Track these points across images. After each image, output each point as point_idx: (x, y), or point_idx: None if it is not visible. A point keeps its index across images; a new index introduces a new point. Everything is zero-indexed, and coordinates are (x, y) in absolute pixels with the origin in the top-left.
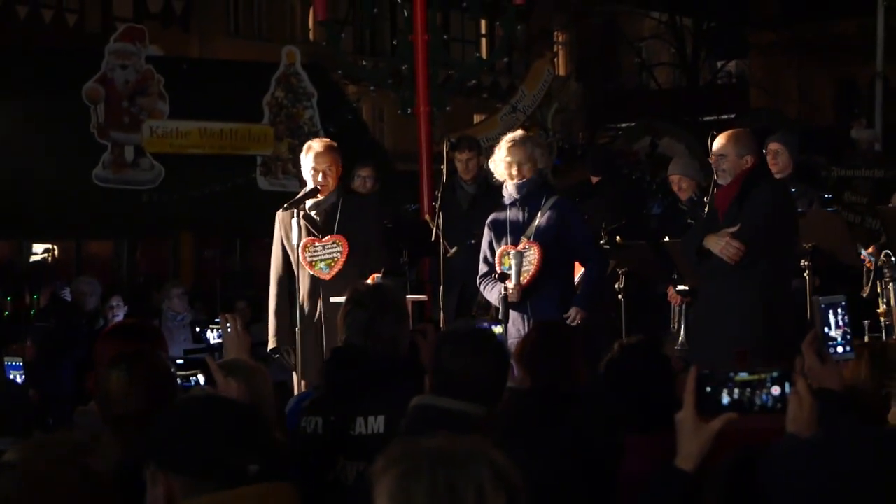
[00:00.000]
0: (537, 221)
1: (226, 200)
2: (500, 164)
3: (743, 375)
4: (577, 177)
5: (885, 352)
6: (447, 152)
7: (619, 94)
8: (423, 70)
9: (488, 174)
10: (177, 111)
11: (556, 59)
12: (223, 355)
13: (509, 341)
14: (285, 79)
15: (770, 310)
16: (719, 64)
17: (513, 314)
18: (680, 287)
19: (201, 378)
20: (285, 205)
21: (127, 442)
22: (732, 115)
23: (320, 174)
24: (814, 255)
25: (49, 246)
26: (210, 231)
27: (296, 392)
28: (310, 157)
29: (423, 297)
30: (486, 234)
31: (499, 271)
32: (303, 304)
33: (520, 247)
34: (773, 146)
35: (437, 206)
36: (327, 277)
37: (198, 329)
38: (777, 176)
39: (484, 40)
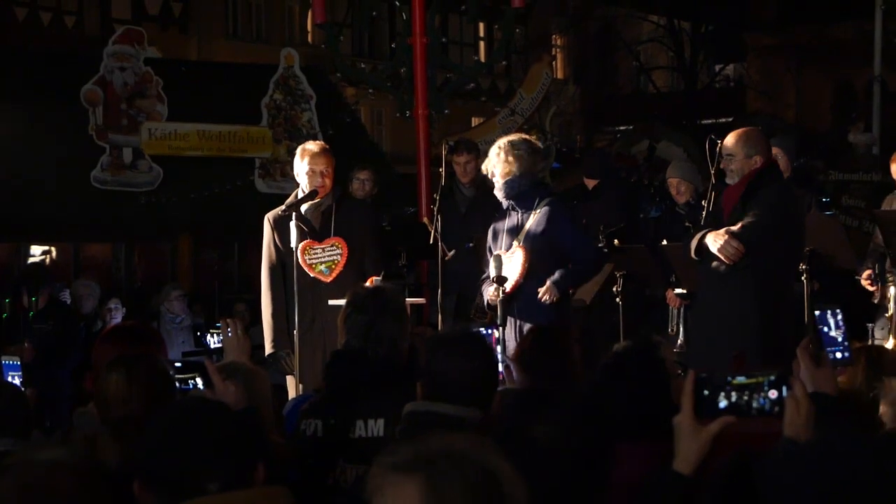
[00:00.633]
0: (528, 225)
1: (224, 203)
2: (489, 165)
3: (740, 379)
4: (576, 180)
5: (881, 355)
6: (445, 155)
7: (617, 98)
8: (421, 73)
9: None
10: (175, 113)
11: (554, 63)
12: (223, 359)
13: (506, 344)
14: (284, 81)
15: (768, 314)
16: (717, 67)
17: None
18: (678, 290)
19: (200, 381)
20: (284, 207)
21: (125, 445)
22: (730, 119)
23: (318, 176)
24: (811, 259)
25: (47, 248)
26: (208, 233)
27: (292, 395)
28: (306, 160)
29: (421, 301)
30: (489, 238)
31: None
32: (301, 308)
33: (511, 251)
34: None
35: (435, 210)
36: (328, 280)
37: (199, 333)
38: None
39: (482, 43)
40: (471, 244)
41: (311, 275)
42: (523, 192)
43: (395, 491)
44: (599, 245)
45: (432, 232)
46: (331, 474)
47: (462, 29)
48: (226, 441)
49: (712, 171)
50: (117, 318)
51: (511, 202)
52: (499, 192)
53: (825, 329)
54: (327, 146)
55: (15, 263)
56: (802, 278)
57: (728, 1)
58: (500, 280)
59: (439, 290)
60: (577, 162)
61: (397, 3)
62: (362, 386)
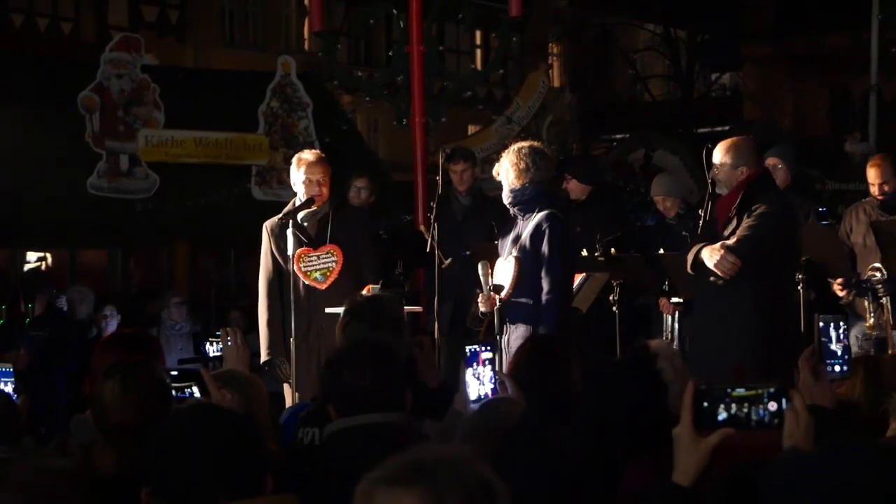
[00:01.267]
0: (524, 234)
1: (221, 210)
2: (498, 169)
3: (740, 391)
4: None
5: (880, 367)
6: (442, 163)
7: (614, 106)
8: (418, 81)
9: (483, 185)
10: (172, 120)
11: (550, 71)
12: (223, 367)
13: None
14: (280, 89)
15: (765, 325)
16: (713, 76)
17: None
18: (675, 299)
19: (196, 389)
20: (280, 216)
21: (121, 452)
22: (727, 128)
23: (314, 185)
24: (808, 269)
25: (43, 254)
26: (205, 241)
27: (288, 403)
28: (302, 169)
29: (418, 309)
30: (499, 245)
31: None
32: (297, 316)
33: (506, 258)
34: (770, 161)
35: (432, 218)
36: (323, 287)
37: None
38: None
39: (479, 52)
40: (467, 252)
41: (306, 282)
42: (527, 199)
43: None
44: (595, 254)
45: (429, 240)
46: None
47: (459, 37)
48: (238, 451)
49: (708, 180)
50: (112, 324)
51: (515, 210)
52: (505, 199)
53: (827, 341)
54: (323, 155)
55: (11, 270)
56: (799, 287)
57: (724, 10)
58: (497, 288)
59: (436, 298)
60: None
61: (394, 11)
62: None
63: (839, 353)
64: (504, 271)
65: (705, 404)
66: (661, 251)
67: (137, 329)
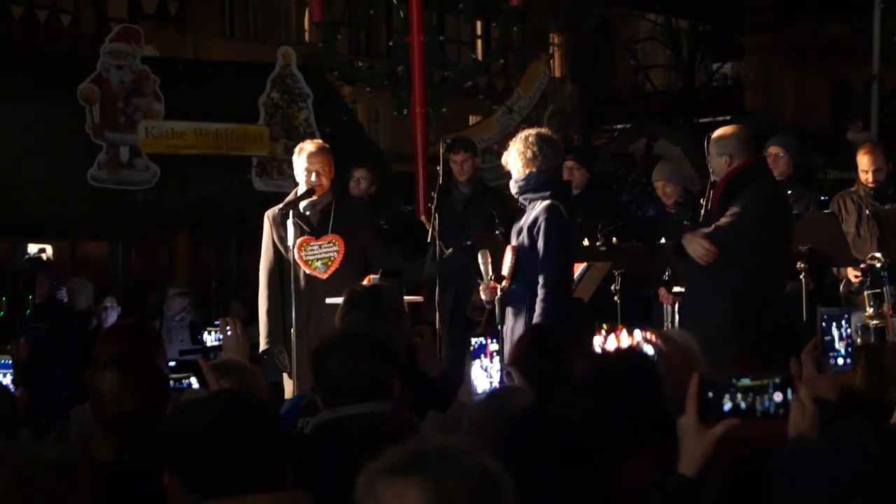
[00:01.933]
0: (525, 224)
1: (221, 201)
2: (506, 156)
3: (745, 381)
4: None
5: (881, 356)
6: (443, 154)
7: (615, 96)
8: (418, 71)
9: (484, 175)
10: (172, 112)
11: (551, 61)
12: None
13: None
14: (281, 80)
15: (743, 316)
16: (715, 66)
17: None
18: (676, 288)
19: (195, 380)
20: (281, 205)
21: (119, 443)
22: (728, 117)
23: (313, 174)
24: (810, 258)
25: (43, 246)
26: (205, 232)
27: (288, 393)
28: (302, 158)
29: (419, 299)
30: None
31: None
32: (298, 305)
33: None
34: (772, 149)
35: (432, 208)
36: (324, 276)
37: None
38: (777, 178)
39: (479, 42)
40: (468, 242)
41: (308, 271)
42: (532, 188)
43: (395, 495)
44: (597, 244)
45: (430, 230)
46: None
47: (459, 27)
48: (265, 440)
49: (710, 170)
50: (112, 316)
51: (521, 199)
52: (512, 188)
53: (830, 334)
54: (325, 145)
55: (11, 262)
56: (801, 277)
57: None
58: (499, 278)
59: (437, 289)
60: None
61: (395, 1)
62: None
63: (843, 346)
64: (507, 260)
65: (710, 395)
66: (663, 240)
67: (139, 320)
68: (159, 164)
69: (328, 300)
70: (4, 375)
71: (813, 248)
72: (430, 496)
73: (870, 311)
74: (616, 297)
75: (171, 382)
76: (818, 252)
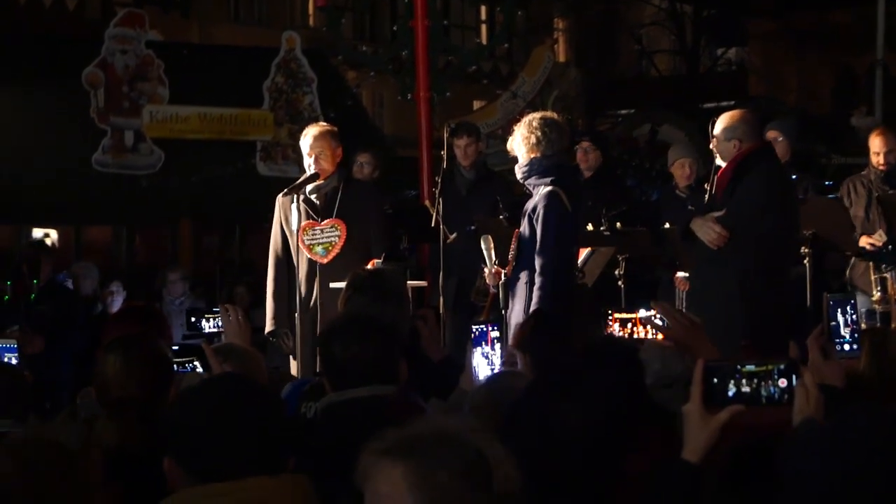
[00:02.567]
0: (528, 210)
1: (226, 186)
2: (512, 140)
3: (750, 367)
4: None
5: (886, 341)
6: (447, 138)
7: (619, 81)
8: (423, 56)
9: (488, 160)
10: (177, 96)
11: (555, 46)
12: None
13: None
14: (285, 64)
15: (752, 300)
16: (719, 51)
17: None
18: (681, 273)
19: (198, 364)
20: (285, 190)
21: (122, 427)
22: (732, 103)
23: (314, 158)
24: (814, 243)
25: (48, 231)
26: (210, 216)
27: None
28: (305, 142)
29: (423, 283)
30: None
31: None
32: (301, 289)
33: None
34: (771, 134)
35: (436, 192)
36: (324, 261)
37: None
38: None
39: (484, 26)
40: (472, 227)
41: (309, 255)
42: (536, 173)
43: (382, 476)
44: (601, 228)
45: (433, 215)
46: None
47: (464, 12)
48: (267, 424)
49: (714, 154)
50: (118, 300)
51: (526, 183)
52: (517, 172)
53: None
54: (330, 129)
55: (16, 247)
56: (805, 262)
57: None
58: (505, 262)
59: (440, 273)
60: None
61: None
62: None
63: (848, 332)
64: (514, 245)
65: (715, 380)
66: (668, 225)
67: (148, 303)
68: (164, 149)
69: (331, 284)
70: (10, 359)
71: (817, 232)
72: (415, 481)
73: (876, 295)
74: (620, 282)
75: (176, 366)
76: (822, 237)
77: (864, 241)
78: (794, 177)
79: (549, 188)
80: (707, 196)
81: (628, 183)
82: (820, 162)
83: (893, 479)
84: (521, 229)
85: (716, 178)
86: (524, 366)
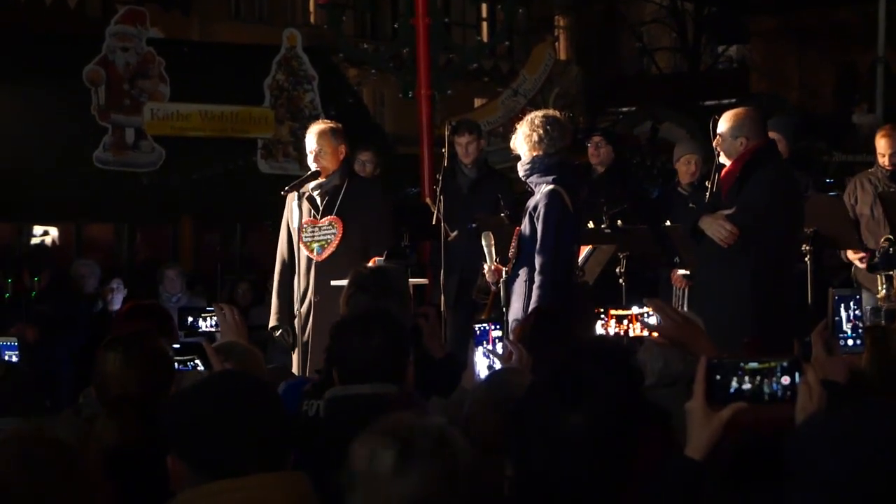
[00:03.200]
0: (529, 208)
1: (226, 183)
2: (515, 137)
3: (753, 364)
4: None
5: (887, 337)
6: (448, 136)
7: (620, 79)
8: (424, 54)
9: (489, 158)
10: (178, 94)
11: (556, 44)
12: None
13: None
14: (286, 62)
15: (762, 297)
16: (720, 49)
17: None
18: (681, 271)
19: (199, 363)
20: (287, 187)
21: (122, 425)
22: (733, 100)
23: (312, 156)
24: (815, 240)
25: (49, 228)
26: (211, 214)
27: (295, 373)
28: (308, 140)
29: (424, 281)
30: None
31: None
32: (299, 286)
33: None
34: (769, 134)
35: (437, 190)
36: (319, 259)
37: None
38: None
39: (485, 24)
40: (473, 225)
41: (306, 253)
42: (538, 171)
43: (368, 465)
44: (602, 226)
45: (435, 213)
46: None
47: (465, 9)
48: (270, 423)
49: (716, 152)
50: (118, 298)
51: (527, 181)
52: (520, 170)
53: (839, 315)
54: (331, 126)
55: (17, 244)
56: (806, 259)
57: None
58: (505, 260)
59: (441, 271)
60: (579, 142)
61: None
62: None
63: (852, 328)
64: (514, 243)
65: (718, 378)
66: (669, 223)
67: (154, 302)
68: (165, 147)
69: (332, 282)
70: (10, 357)
71: (818, 230)
72: (397, 469)
73: (881, 293)
74: (621, 280)
75: (177, 364)
76: (823, 234)
77: (853, 257)
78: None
79: (551, 187)
80: (708, 194)
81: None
82: (821, 159)
83: None
84: (522, 227)
85: (719, 176)
86: (521, 361)
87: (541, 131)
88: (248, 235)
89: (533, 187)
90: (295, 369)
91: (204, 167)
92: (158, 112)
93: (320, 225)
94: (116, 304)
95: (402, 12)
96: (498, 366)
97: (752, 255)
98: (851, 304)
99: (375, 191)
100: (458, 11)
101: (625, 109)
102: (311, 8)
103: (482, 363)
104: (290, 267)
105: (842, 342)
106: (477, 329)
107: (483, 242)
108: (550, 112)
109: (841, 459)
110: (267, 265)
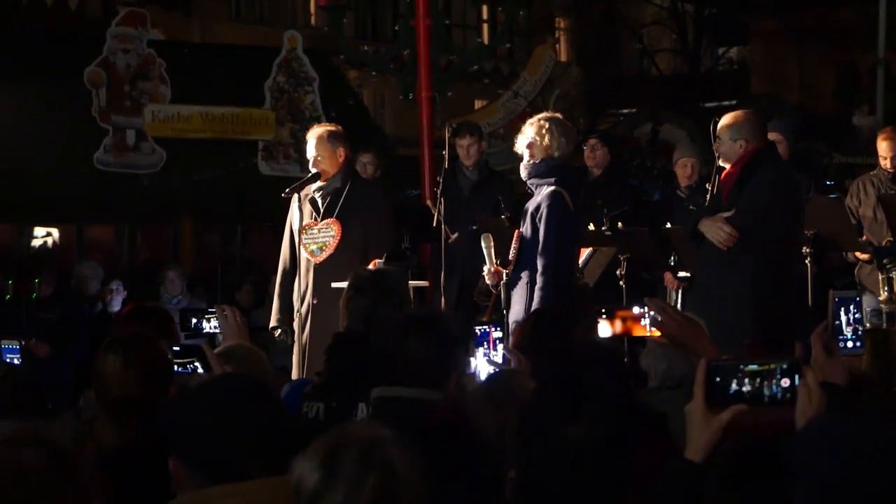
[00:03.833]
0: (530, 210)
1: (227, 185)
2: (520, 139)
3: (752, 366)
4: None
5: (888, 340)
6: (449, 138)
7: (621, 81)
8: (424, 55)
9: (489, 160)
10: (178, 95)
11: (557, 45)
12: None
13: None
14: (287, 63)
15: (762, 299)
16: (720, 50)
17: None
18: (682, 273)
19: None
20: (287, 189)
21: (122, 426)
22: (734, 102)
23: (312, 159)
24: (815, 242)
25: (49, 230)
26: (211, 216)
27: (294, 374)
28: (308, 144)
29: (424, 283)
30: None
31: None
32: (300, 288)
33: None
34: (770, 135)
35: (438, 192)
36: (317, 260)
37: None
38: None
39: (485, 26)
40: (474, 227)
41: (306, 255)
42: (540, 174)
43: (300, 482)
44: (603, 228)
45: (435, 214)
46: None
47: (465, 11)
48: (273, 426)
49: (716, 155)
50: (118, 299)
51: (529, 183)
52: (522, 172)
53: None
54: (330, 130)
55: (17, 245)
56: (806, 261)
57: None
58: (506, 262)
59: (442, 273)
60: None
61: None
62: (364, 369)
63: (851, 330)
64: (514, 245)
65: (717, 380)
66: (669, 225)
67: (154, 304)
68: (165, 148)
69: (332, 284)
70: (12, 360)
71: (818, 232)
72: (322, 481)
73: (884, 295)
74: (621, 282)
75: (177, 367)
76: (823, 236)
77: (862, 256)
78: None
79: (553, 188)
80: (709, 196)
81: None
82: (821, 161)
83: None
84: (523, 229)
85: (719, 178)
86: (520, 365)
87: (549, 134)
88: (248, 237)
89: (534, 189)
90: (294, 371)
91: (204, 169)
92: (159, 114)
93: (319, 227)
94: (116, 305)
95: (402, 14)
96: None
97: (752, 257)
98: (851, 306)
99: (376, 193)
100: (459, 13)
101: (625, 111)
102: (312, 9)
103: (482, 365)
104: (291, 268)
105: (841, 344)
106: (477, 331)
107: (483, 244)
108: (556, 115)
109: (841, 462)
110: (267, 267)
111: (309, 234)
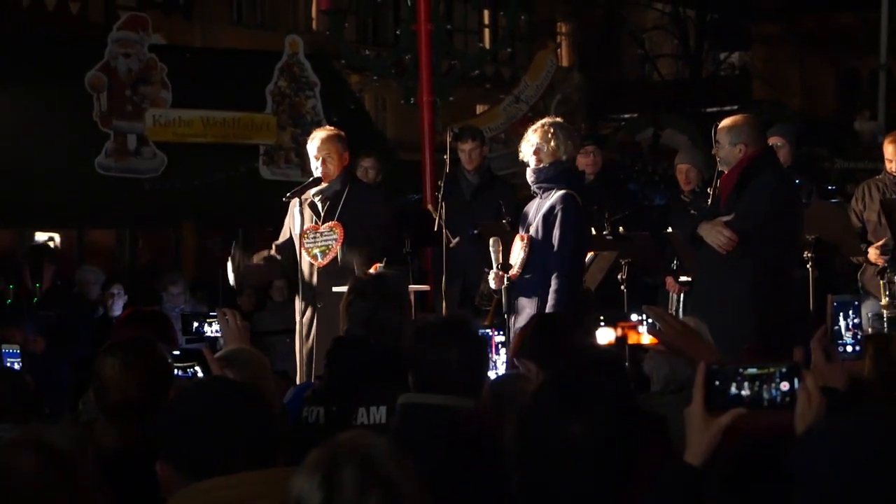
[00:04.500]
0: (539, 214)
1: (228, 189)
2: (524, 145)
3: (752, 370)
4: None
5: (889, 345)
6: (450, 142)
7: (622, 86)
8: (426, 60)
9: (491, 164)
10: (179, 100)
11: (558, 50)
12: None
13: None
14: (288, 68)
15: (762, 303)
16: (722, 55)
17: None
18: (683, 278)
19: (199, 370)
20: (289, 193)
21: (122, 430)
22: (735, 107)
23: (317, 162)
24: (816, 247)
25: (51, 234)
26: (212, 220)
27: (298, 379)
28: (313, 145)
29: (425, 287)
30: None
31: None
32: (303, 293)
33: (519, 235)
34: (771, 139)
35: (439, 196)
36: (320, 264)
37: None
38: None
39: (487, 31)
40: (475, 231)
41: (308, 259)
42: (547, 178)
43: (299, 484)
44: (605, 233)
45: (437, 219)
46: None
47: (467, 16)
48: (256, 423)
49: (717, 159)
50: (119, 304)
51: (535, 188)
52: (528, 177)
53: (839, 321)
54: (337, 133)
55: (18, 250)
56: (808, 266)
57: None
58: (506, 266)
59: (443, 277)
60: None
61: None
62: (364, 373)
63: (851, 334)
64: (515, 249)
65: (717, 383)
66: (670, 230)
67: (154, 308)
68: (166, 153)
69: (334, 288)
70: (13, 364)
71: (820, 237)
72: (322, 491)
73: (885, 300)
74: (623, 286)
75: (177, 371)
76: (825, 241)
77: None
78: (797, 181)
79: (565, 191)
80: (710, 200)
81: (631, 187)
82: (823, 166)
83: None
84: (533, 233)
85: (719, 182)
86: (528, 371)
87: (551, 138)
88: (249, 241)
89: (541, 193)
90: (299, 376)
91: (206, 173)
92: (160, 118)
93: (321, 231)
94: (117, 309)
95: (403, 18)
96: None
97: (752, 261)
98: (850, 311)
99: (377, 196)
100: (460, 18)
101: (626, 116)
102: (313, 14)
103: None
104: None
105: (840, 349)
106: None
107: (491, 248)
108: (559, 120)
109: (841, 466)
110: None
111: (311, 237)
